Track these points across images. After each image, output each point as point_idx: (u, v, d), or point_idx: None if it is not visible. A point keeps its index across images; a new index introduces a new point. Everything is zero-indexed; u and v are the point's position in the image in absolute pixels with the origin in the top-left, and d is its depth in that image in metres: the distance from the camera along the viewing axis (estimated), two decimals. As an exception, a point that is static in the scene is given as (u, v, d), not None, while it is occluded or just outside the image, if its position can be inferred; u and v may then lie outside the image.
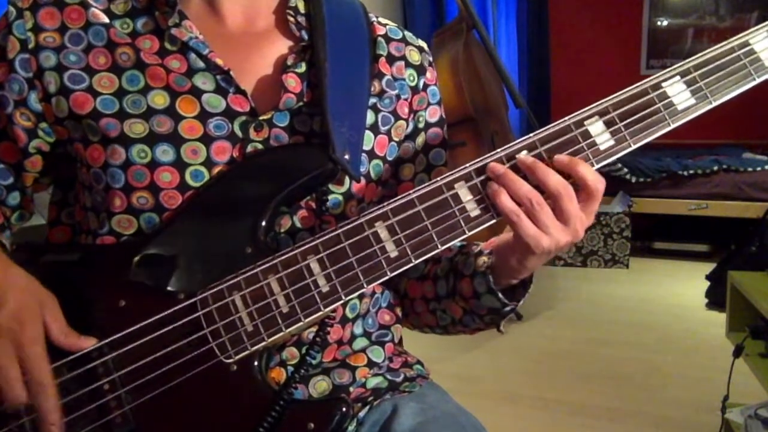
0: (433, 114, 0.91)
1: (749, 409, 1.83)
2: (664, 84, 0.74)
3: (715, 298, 3.33)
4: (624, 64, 4.92)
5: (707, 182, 4.05)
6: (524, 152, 0.72)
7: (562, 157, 0.71)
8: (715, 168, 4.04)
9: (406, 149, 0.88)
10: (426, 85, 0.89)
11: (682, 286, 3.80)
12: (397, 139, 0.87)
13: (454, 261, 0.84)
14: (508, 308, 0.78)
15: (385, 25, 0.90)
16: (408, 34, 0.91)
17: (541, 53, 4.81)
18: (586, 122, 0.73)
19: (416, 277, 0.89)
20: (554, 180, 0.70)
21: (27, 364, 0.66)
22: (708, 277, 3.49)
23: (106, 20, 0.78)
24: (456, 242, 0.73)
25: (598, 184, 0.70)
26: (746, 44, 0.76)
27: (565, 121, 0.74)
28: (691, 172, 4.04)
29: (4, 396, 0.66)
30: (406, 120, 0.87)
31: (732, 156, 4.21)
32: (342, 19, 0.85)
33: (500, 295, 0.77)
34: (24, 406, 0.67)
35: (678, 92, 0.74)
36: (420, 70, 0.89)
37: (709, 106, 0.75)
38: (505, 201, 0.71)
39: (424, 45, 0.92)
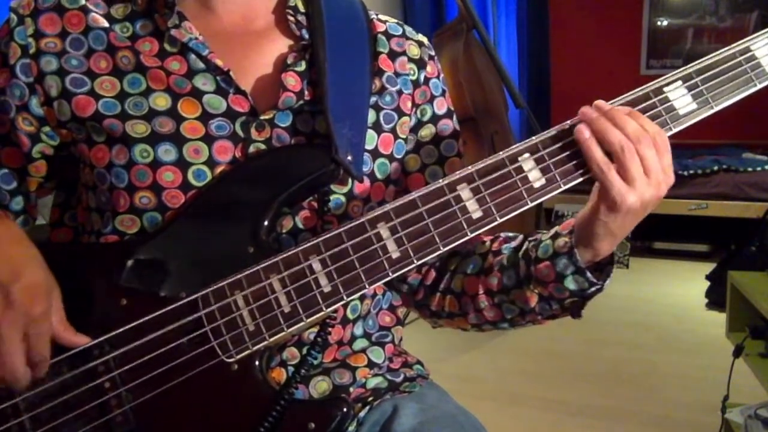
0: (440, 106, 0.90)
1: (749, 409, 1.83)
2: (665, 89, 0.74)
3: (715, 298, 3.33)
4: (624, 64, 4.92)
5: (707, 182, 4.05)
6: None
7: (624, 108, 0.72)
8: (715, 168, 4.05)
9: (410, 142, 0.88)
10: (427, 79, 0.89)
11: (682, 286, 3.80)
12: (403, 136, 0.86)
13: (521, 249, 0.82)
14: (594, 288, 0.76)
15: (385, 21, 0.90)
16: (408, 29, 0.91)
17: (541, 53, 4.81)
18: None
19: (475, 272, 0.85)
20: (633, 126, 0.70)
21: (34, 339, 0.66)
22: (708, 277, 3.49)
23: (106, 24, 0.78)
24: (458, 244, 0.73)
25: (661, 133, 0.71)
26: (747, 50, 0.76)
27: (567, 124, 0.74)
28: (691, 172, 4.05)
29: (4, 366, 0.66)
30: (410, 115, 0.87)
31: (732, 156, 4.21)
32: (341, 17, 0.85)
33: (589, 274, 0.75)
34: (18, 378, 0.67)
35: (679, 96, 0.74)
36: (420, 63, 0.89)
37: (711, 111, 0.75)
38: (597, 151, 0.71)
39: (424, 39, 0.92)
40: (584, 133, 0.71)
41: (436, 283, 0.89)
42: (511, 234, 0.87)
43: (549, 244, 0.77)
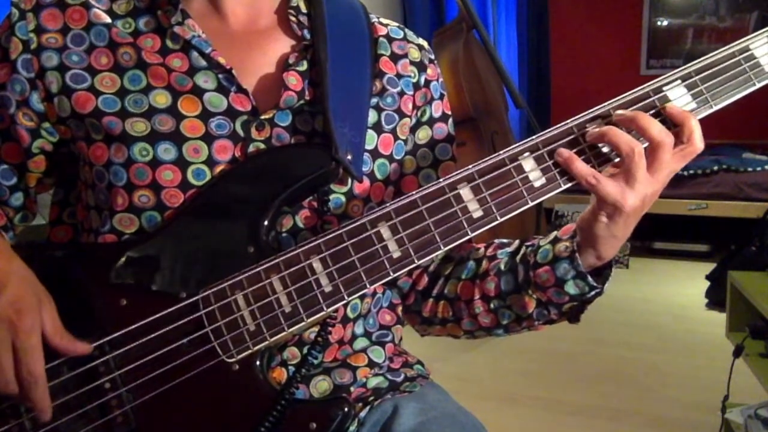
0: (437, 109, 0.90)
1: (749, 409, 1.83)
2: (665, 88, 0.74)
3: (715, 298, 3.33)
4: (624, 64, 4.92)
5: (707, 182, 4.05)
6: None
7: (674, 107, 0.72)
8: (715, 168, 4.05)
9: (409, 143, 0.88)
10: (428, 81, 0.89)
11: (682, 286, 3.80)
12: (403, 137, 0.87)
13: (519, 254, 0.81)
14: (594, 292, 0.76)
15: (386, 25, 0.90)
16: (409, 33, 0.92)
17: (541, 53, 4.81)
18: (588, 125, 0.74)
19: (470, 277, 0.85)
20: (659, 128, 0.69)
21: (21, 354, 0.66)
22: (708, 277, 3.49)
23: (108, 20, 0.78)
24: (458, 243, 0.73)
25: (701, 144, 0.71)
26: (746, 49, 0.76)
27: (567, 123, 0.74)
28: (691, 172, 4.04)
29: None
30: (410, 116, 0.87)
31: (732, 156, 4.21)
32: (342, 19, 0.85)
33: (590, 278, 0.75)
34: (12, 395, 0.67)
35: (679, 96, 0.74)
36: (420, 66, 0.89)
37: (710, 110, 0.75)
38: (580, 167, 0.71)
39: (425, 43, 0.92)
40: (563, 154, 0.72)
41: (428, 289, 0.89)
42: (505, 240, 0.87)
43: (549, 249, 0.77)
